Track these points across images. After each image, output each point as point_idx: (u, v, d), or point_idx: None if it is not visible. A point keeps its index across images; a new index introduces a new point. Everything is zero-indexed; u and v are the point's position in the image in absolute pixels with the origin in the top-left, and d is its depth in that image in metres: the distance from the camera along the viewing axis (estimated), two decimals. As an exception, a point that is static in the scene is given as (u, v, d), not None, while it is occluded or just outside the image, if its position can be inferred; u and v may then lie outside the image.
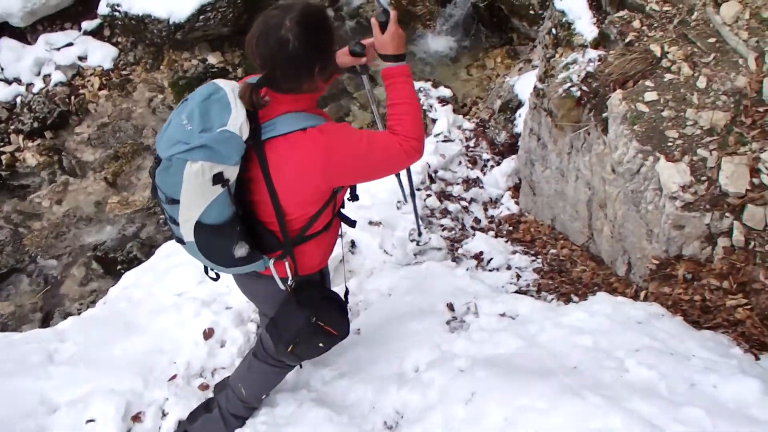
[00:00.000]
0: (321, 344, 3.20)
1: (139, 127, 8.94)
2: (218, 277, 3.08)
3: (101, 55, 9.45)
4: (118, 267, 7.20)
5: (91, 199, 8.21)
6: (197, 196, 2.49)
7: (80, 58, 9.42)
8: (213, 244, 2.65)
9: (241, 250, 2.69)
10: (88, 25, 9.65)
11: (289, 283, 2.98)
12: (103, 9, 9.21)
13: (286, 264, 2.91)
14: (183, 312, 4.32)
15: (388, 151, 2.72)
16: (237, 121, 2.45)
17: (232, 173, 2.52)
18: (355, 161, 2.67)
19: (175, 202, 2.53)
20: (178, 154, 2.42)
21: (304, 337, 3.10)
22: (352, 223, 3.20)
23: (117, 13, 9.07)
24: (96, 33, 9.70)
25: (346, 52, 3.05)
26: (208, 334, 4.20)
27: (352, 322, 4.11)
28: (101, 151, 8.68)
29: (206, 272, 3.08)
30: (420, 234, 3.72)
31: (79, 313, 4.89)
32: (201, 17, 8.96)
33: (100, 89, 9.26)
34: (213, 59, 9.54)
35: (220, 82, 2.56)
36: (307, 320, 3.06)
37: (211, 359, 4.13)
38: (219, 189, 2.50)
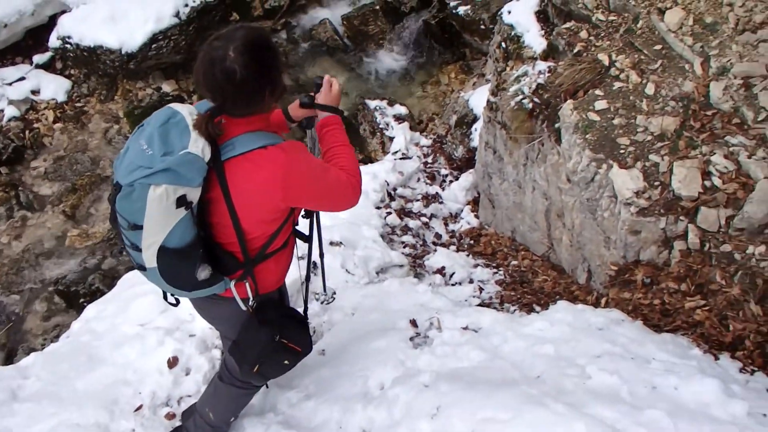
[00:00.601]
0: (286, 362, 3.16)
1: (96, 159, 8.85)
2: (178, 302, 3.04)
3: (54, 88, 9.36)
4: (81, 300, 7.10)
5: (51, 233, 8.10)
6: (161, 220, 2.45)
7: (33, 92, 9.32)
8: (176, 268, 2.61)
9: (204, 273, 2.65)
10: (39, 58, 9.58)
11: (250, 303, 2.94)
12: (54, 42, 9.13)
13: (247, 284, 2.88)
14: (146, 342, 4.26)
15: (339, 180, 2.77)
16: (198, 143, 2.43)
17: (194, 195, 2.50)
18: (311, 182, 2.69)
19: (138, 227, 2.47)
20: (141, 179, 2.38)
21: (269, 355, 3.07)
22: (307, 239, 3.19)
23: (68, 46, 9.00)
24: (48, 66, 9.62)
25: (296, 105, 3.06)
26: (172, 362, 4.14)
27: (316, 343, 4.10)
28: (58, 184, 8.58)
29: (165, 298, 3.04)
30: (326, 293, 3.71)
31: (42, 349, 4.80)
32: (153, 46, 8.93)
33: (54, 122, 9.16)
34: (167, 87, 9.51)
35: (176, 106, 2.54)
36: (270, 338, 3.03)
37: (177, 388, 4.07)
38: (182, 212, 2.47)
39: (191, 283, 2.66)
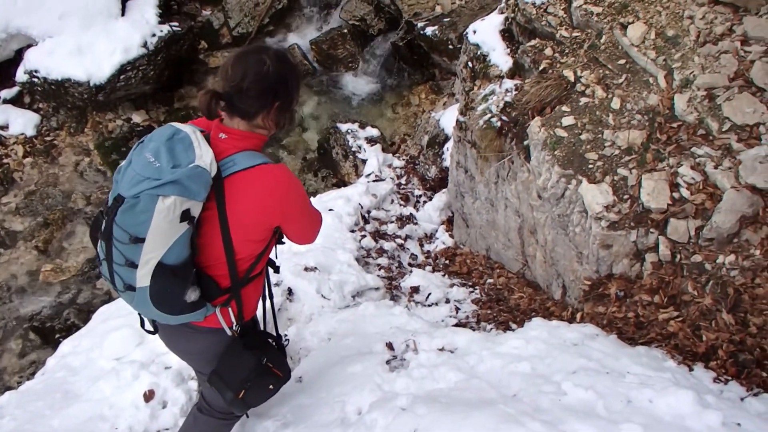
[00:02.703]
0: (271, 386, 3.16)
1: (68, 192, 8.79)
2: (156, 330, 3.00)
3: (23, 122, 9.31)
4: (57, 335, 7.05)
5: (24, 268, 8.03)
6: (165, 232, 2.47)
7: (1, 128, 9.27)
8: (167, 288, 2.59)
9: (193, 295, 2.65)
10: (6, 93, 9.53)
11: (234, 328, 2.93)
12: (21, 76, 9.08)
13: (230, 309, 2.88)
14: (122, 376, 4.21)
15: (316, 213, 2.97)
16: (207, 158, 2.51)
17: (197, 210, 2.54)
18: (303, 205, 2.82)
19: (140, 240, 2.47)
20: (148, 190, 2.42)
21: (255, 380, 3.04)
22: (276, 268, 3.21)
23: (36, 80, 8.95)
24: (16, 101, 9.58)
25: None
26: (148, 396, 4.10)
27: (293, 370, 4.07)
28: (30, 219, 8.50)
29: (142, 325, 3.00)
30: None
31: (18, 387, 4.74)
32: (122, 77, 8.91)
33: (24, 157, 9.09)
34: (138, 118, 9.49)
35: (177, 124, 2.62)
36: (257, 362, 3.04)
37: (154, 421, 4.03)
38: (185, 226, 2.51)
39: (179, 305, 2.65)
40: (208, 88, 2.68)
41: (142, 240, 2.46)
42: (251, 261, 2.85)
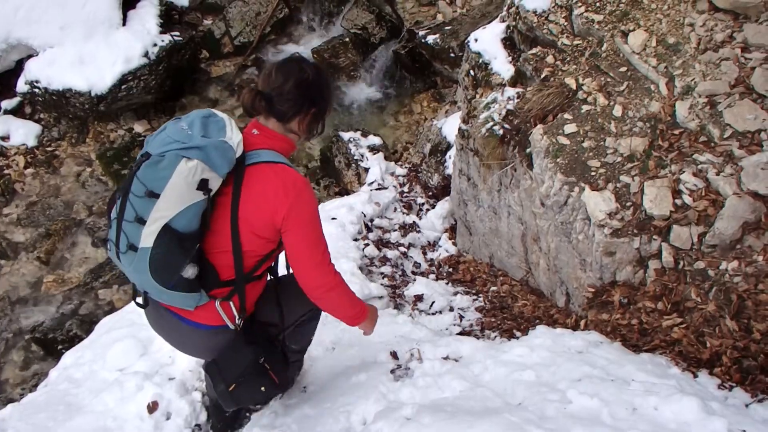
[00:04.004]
0: (263, 388, 3.18)
1: (69, 203, 8.78)
2: (147, 303, 2.98)
3: (24, 133, 9.30)
4: (59, 347, 6.99)
5: (26, 280, 8.01)
6: (180, 194, 2.56)
7: (2, 138, 9.26)
8: (169, 255, 2.63)
9: (191, 270, 2.70)
10: (7, 104, 9.53)
11: (237, 321, 2.99)
12: (21, 87, 9.09)
13: (231, 303, 2.93)
14: (125, 387, 4.19)
15: (323, 241, 2.93)
16: (235, 139, 2.68)
17: (215, 184, 2.65)
18: (310, 218, 2.85)
19: (154, 195, 2.55)
20: (174, 150, 2.55)
21: (249, 377, 3.08)
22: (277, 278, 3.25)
23: (37, 90, 8.96)
24: (17, 111, 9.57)
25: None
26: (152, 407, 4.09)
27: (297, 381, 4.07)
28: (32, 230, 8.49)
29: (134, 298, 3.02)
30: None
31: (20, 399, 4.73)
32: (123, 87, 8.92)
33: (26, 168, 9.09)
34: (139, 128, 9.50)
35: (214, 110, 2.80)
36: (255, 359, 3.08)
37: (158, 433, 4.04)
38: (200, 196, 2.60)
39: (174, 278, 2.69)
40: (252, 87, 2.86)
41: (157, 196, 2.55)
42: (256, 259, 2.90)
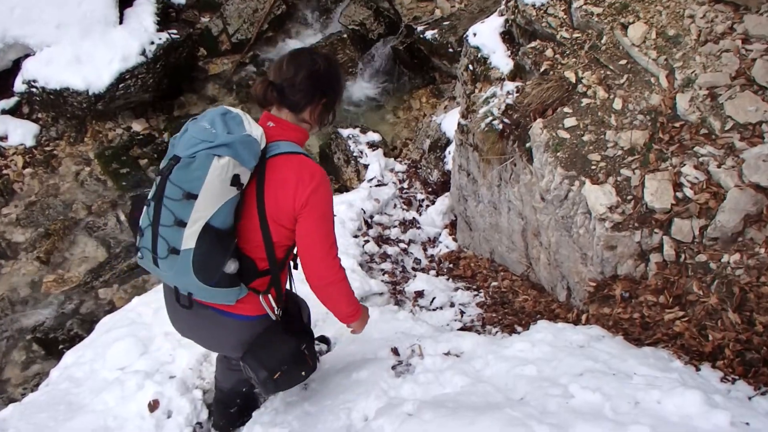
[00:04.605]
0: (303, 373, 3.31)
1: (68, 202, 8.75)
2: (191, 304, 2.96)
3: (22, 133, 9.24)
4: (60, 346, 6.97)
5: (26, 280, 7.98)
6: (216, 192, 2.62)
7: (0, 138, 9.20)
8: (210, 253, 2.68)
9: (233, 266, 2.77)
10: (5, 104, 9.46)
11: (276, 312, 3.08)
12: (19, 86, 9.03)
13: (270, 296, 3.02)
14: (126, 386, 4.19)
15: (334, 238, 2.97)
16: (257, 132, 2.74)
17: (245, 178, 2.71)
18: (326, 210, 2.90)
19: (193, 197, 2.60)
20: (204, 149, 2.60)
21: (292, 364, 3.19)
22: (296, 264, 3.23)
23: (34, 90, 8.92)
24: (14, 111, 9.50)
25: None
26: (153, 406, 4.08)
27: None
28: (31, 230, 8.46)
29: (177, 299, 2.98)
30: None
31: (22, 399, 4.72)
32: (121, 85, 8.89)
33: (24, 168, 9.04)
34: (138, 126, 9.47)
35: (228, 107, 2.83)
36: (297, 347, 3.19)
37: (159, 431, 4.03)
38: (234, 191, 2.67)
39: (217, 275, 2.75)
40: (264, 78, 2.92)
41: (195, 197, 2.60)
42: (284, 249, 2.99)
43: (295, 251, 3.09)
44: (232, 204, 2.68)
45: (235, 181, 2.65)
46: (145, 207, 2.78)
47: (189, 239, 2.63)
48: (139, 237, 2.82)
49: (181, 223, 2.63)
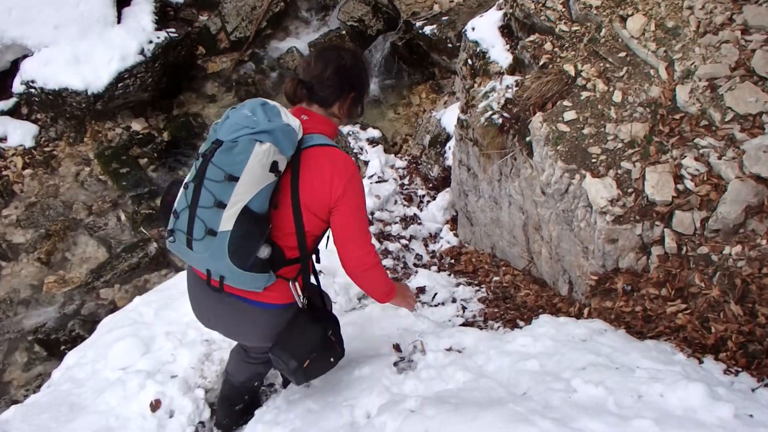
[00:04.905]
0: (332, 359, 3.37)
1: (69, 203, 8.75)
2: (221, 287, 2.98)
3: (21, 133, 9.24)
4: (62, 347, 6.97)
5: (27, 281, 7.97)
6: (257, 176, 2.71)
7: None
8: (246, 236, 2.76)
9: (266, 251, 2.85)
10: (3, 105, 9.45)
11: (302, 300, 3.16)
12: (17, 87, 9.03)
13: (297, 283, 3.10)
14: (128, 386, 4.18)
15: (368, 228, 3.13)
16: (295, 123, 2.82)
17: (282, 166, 2.80)
18: (361, 201, 3.01)
19: (234, 179, 2.68)
20: (247, 135, 2.69)
21: (321, 351, 3.25)
22: (318, 259, 3.35)
23: (33, 90, 8.92)
24: (13, 112, 9.49)
25: None
26: (155, 405, 4.07)
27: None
28: (32, 231, 8.45)
29: (208, 282, 3.00)
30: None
31: (24, 401, 4.72)
32: (119, 85, 8.89)
33: (23, 168, 9.03)
34: (137, 126, 9.46)
35: (265, 99, 2.92)
36: (324, 334, 3.25)
37: (161, 431, 4.02)
38: (272, 177, 2.75)
39: (251, 258, 2.81)
40: (293, 76, 3.03)
41: (236, 179, 2.69)
42: (313, 238, 3.08)
43: (322, 241, 3.20)
44: (269, 190, 2.76)
45: (274, 167, 2.74)
46: (181, 190, 2.87)
47: (227, 221, 2.71)
48: (174, 220, 2.89)
49: (221, 205, 2.70)
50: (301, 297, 3.15)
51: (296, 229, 2.95)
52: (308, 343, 3.20)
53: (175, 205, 2.88)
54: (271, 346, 3.24)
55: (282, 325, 3.20)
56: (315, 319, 3.26)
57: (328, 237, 3.17)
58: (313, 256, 3.27)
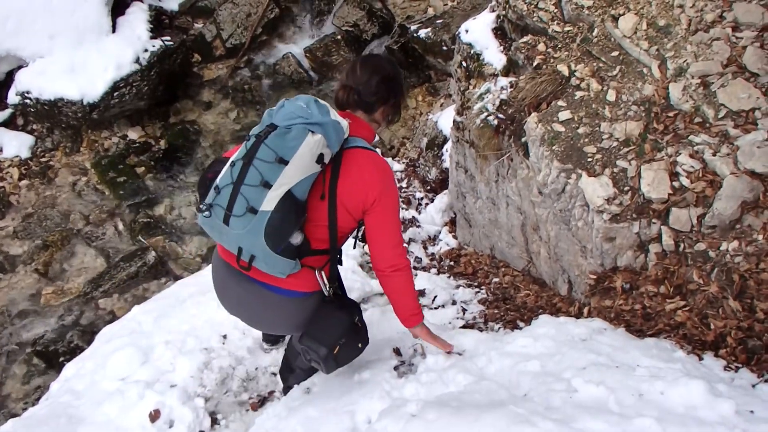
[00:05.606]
0: (359, 344, 3.49)
1: (66, 213, 8.76)
2: (250, 265, 3.01)
3: (17, 144, 9.26)
4: (61, 359, 6.99)
5: (24, 293, 7.97)
6: (304, 164, 2.84)
7: (-5, 151, 9.23)
8: (285, 220, 2.86)
9: (297, 238, 2.98)
10: (-1, 116, 9.45)
11: (328, 289, 3.30)
12: (12, 98, 9.04)
13: (323, 272, 3.24)
14: (127, 396, 4.17)
15: (400, 231, 3.32)
16: (344, 122, 2.98)
17: (327, 159, 2.94)
18: (396, 203, 3.20)
19: (284, 162, 2.80)
20: (301, 124, 2.83)
21: (348, 337, 3.36)
22: (340, 261, 3.47)
23: (28, 101, 8.93)
24: (9, 123, 9.51)
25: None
26: (154, 416, 4.06)
27: (301, 384, 4.07)
28: (29, 242, 8.46)
29: (237, 261, 3.04)
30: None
31: (23, 414, 4.70)
32: (115, 94, 8.91)
33: (20, 180, 9.05)
34: (134, 134, 9.48)
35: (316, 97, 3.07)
36: (351, 319, 3.38)
37: (161, 442, 4.01)
38: (317, 168, 2.90)
39: (283, 242, 2.93)
40: (343, 84, 3.24)
41: (286, 162, 2.81)
42: (343, 234, 3.25)
43: (349, 239, 3.38)
44: (311, 179, 2.90)
45: (320, 159, 2.87)
46: (226, 167, 2.96)
47: (270, 201, 2.81)
48: (214, 194, 2.95)
49: (267, 185, 2.80)
50: (327, 285, 3.27)
51: (329, 222, 3.08)
52: (336, 330, 3.32)
53: (218, 181, 2.97)
54: (300, 337, 3.38)
55: (304, 314, 3.32)
56: (341, 306, 3.40)
57: (355, 238, 3.36)
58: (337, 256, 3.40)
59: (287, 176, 2.82)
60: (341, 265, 3.54)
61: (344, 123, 2.98)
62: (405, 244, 6.36)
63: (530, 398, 3.12)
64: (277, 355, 4.63)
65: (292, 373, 4.12)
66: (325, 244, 3.16)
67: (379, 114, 3.30)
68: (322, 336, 3.31)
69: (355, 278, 5.37)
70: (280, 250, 2.92)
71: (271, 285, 3.17)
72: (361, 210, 3.12)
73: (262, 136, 2.87)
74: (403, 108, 3.47)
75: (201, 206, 3.02)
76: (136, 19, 9.52)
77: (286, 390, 4.20)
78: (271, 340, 4.58)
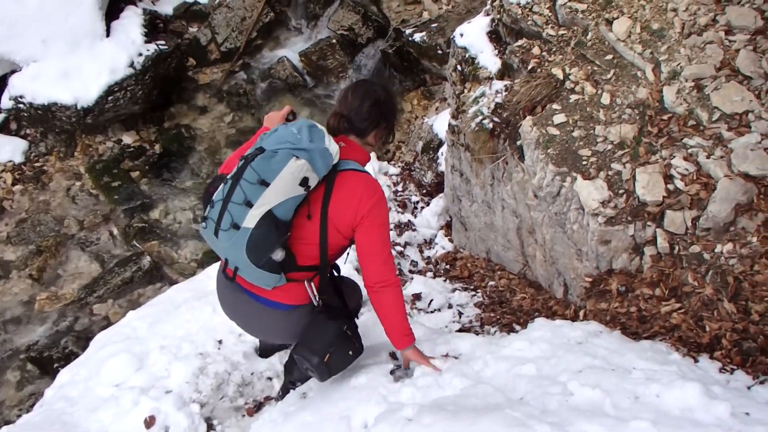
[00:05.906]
0: (350, 352, 3.56)
1: (60, 218, 8.73)
2: (234, 276, 3.31)
3: (10, 149, 9.23)
4: (55, 365, 6.95)
5: (18, 299, 7.94)
6: (285, 186, 2.98)
7: (-12, 156, 9.19)
8: (265, 237, 3.02)
9: (280, 254, 3.12)
10: (-8, 120, 9.42)
11: (317, 300, 3.41)
12: (6, 103, 9.03)
13: (312, 285, 3.36)
14: (121, 403, 4.13)
15: (390, 249, 3.40)
16: (334, 148, 3.11)
17: (313, 183, 3.07)
18: (384, 222, 3.30)
19: (265, 184, 2.96)
20: (287, 149, 2.98)
21: (338, 344, 3.46)
22: (338, 270, 3.75)
23: (21, 105, 8.92)
24: (2, 128, 9.48)
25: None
26: (149, 422, 4.02)
27: (297, 389, 4.06)
28: (23, 248, 8.42)
29: (224, 271, 3.40)
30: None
31: (17, 421, 4.67)
32: (110, 98, 8.90)
33: (13, 185, 9.02)
34: (128, 139, 9.46)
35: (315, 123, 3.19)
36: (340, 327, 3.47)
37: (156, 448, 3.99)
38: (301, 191, 3.03)
39: (264, 257, 3.09)
40: (334, 111, 3.37)
41: (267, 184, 2.96)
42: (333, 252, 3.36)
43: (340, 257, 3.53)
44: (295, 201, 3.04)
45: (304, 182, 3.01)
46: (222, 184, 3.11)
47: (251, 219, 2.98)
48: (210, 208, 3.14)
49: (249, 204, 2.97)
50: (317, 297, 3.39)
51: (320, 240, 3.22)
52: (325, 338, 3.41)
53: (214, 196, 3.13)
54: (293, 347, 3.55)
55: (294, 325, 3.45)
56: (330, 317, 3.47)
57: (347, 253, 3.50)
58: (333, 270, 3.63)
59: (267, 197, 2.97)
60: (338, 273, 3.71)
61: (334, 149, 3.10)
62: (402, 250, 6.38)
63: (526, 402, 3.11)
64: (273, 360, 4.61)
65: (295, 365, 4.13)
66: (315, 260, 3.30)
67: (371, 137, 3.43)
68: (313, 345, 3.43)
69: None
70: (261, 265, 3.10)
71: (259, 296, 3.34)
72: (350, 227, 3.24)
73: (249, 158, 3.02)
74: (396, 129, 3.50)
75: (201, 218, 3.22)
76: (131, 23, 9.52)
77: (285, 384, 4.30)
78: (266, 356, 4.63)
